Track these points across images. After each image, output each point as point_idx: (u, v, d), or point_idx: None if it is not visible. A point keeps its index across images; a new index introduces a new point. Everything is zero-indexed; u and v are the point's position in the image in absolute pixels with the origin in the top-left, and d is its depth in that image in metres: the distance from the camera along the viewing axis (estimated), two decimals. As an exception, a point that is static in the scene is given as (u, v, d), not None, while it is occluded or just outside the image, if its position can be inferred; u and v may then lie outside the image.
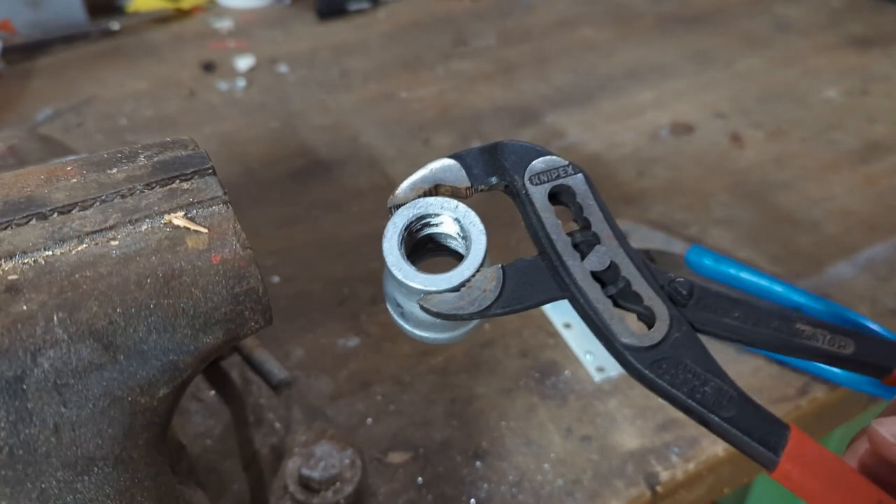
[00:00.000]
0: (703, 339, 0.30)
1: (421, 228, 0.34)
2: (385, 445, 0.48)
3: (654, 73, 0.89)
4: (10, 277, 0.25)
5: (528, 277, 0.31)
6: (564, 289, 0.31)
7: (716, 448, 0.48)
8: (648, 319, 0.30)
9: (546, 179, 0.34)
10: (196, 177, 0.30)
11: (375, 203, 0.69)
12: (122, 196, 0.28)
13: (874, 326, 0.53)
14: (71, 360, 0.25)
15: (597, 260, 0.31)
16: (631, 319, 0.30)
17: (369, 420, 0.50)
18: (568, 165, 0.34)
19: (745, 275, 0.57)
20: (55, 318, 0.25)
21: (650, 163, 0.74)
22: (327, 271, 0.61)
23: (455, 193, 0.35)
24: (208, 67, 0.91)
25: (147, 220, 0.28)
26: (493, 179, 0.34)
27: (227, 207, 0.29)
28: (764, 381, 0.52)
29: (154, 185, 0.29)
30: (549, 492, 0.46)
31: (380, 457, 0.48)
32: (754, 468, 0.54)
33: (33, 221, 0.27)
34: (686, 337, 0.30)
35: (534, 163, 0.34)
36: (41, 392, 0.25)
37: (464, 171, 0.35)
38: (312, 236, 0.65)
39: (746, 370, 0.52)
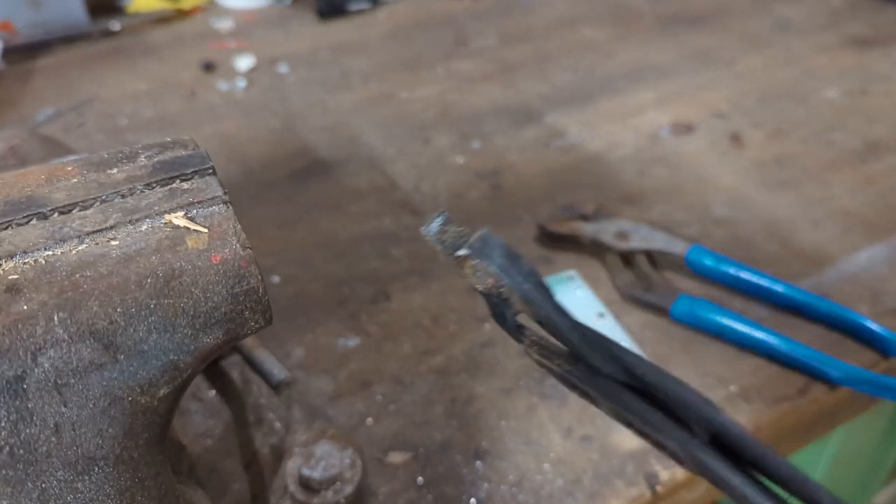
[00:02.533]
0: None
1: None
2: (385, 445, 0.48)
3: (654, 72, 0.89)
4: (10, 277, 0.25)
5: None
6: None
7: (716, 448, 0.48)
8: None
9: None
10: (196, 177, 0.30)
11: (375, 203, 0.69)
12: (123, 196, 0.28)
13: (874, 326, 0.53)
14: (71, 359, 0.25)
15: None
16: None
17: (369, 420, 0.50)
18: None
19: (745, 274, 0.57)
20: (56, 317, 0.25)
21: (650, 162, 0.74)
22: (327, 271, 0.61)
23: None
24: (208, 67, 0.91)
25: (147, 219, 0.28)
26: None
27: (228, 207, 0.29)
28: (763, 380, 0.52)
29: (154, 184, 0.29)
30: (549, 491, 0.46)
31: (380, 457, 0.48)
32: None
33: (34, 221, 0.27)
34: None
35: None
36: (42, 392, 0.25)
37: None
38: (312, 236, 0.65)
39: (746, 370, 0.52)
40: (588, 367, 0.26)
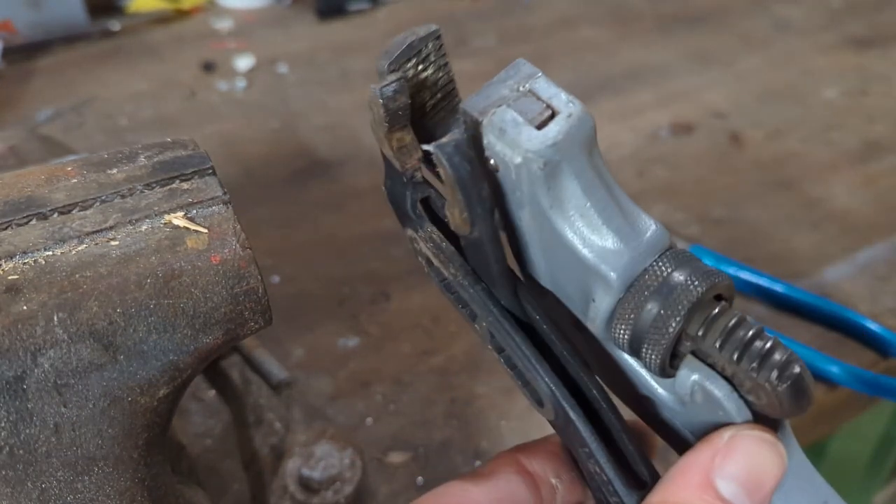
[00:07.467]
0: None
1: None
2: (385, 445, 0.48)
3: (653, 73, 0.89)
4: (10, 277, 0.25)
5: None
6: None
7: (715, 448, 0.48)
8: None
9: None
10: (196, 177, 0.30)
11: (375, 203, 0.69)
12: (122, 196, 0.28)
13: (873, 326, 0.53)
14: (71, 360, 0.25)
15: None
16: None
17: (369, 420, 0.50)
18: None
19: (744, 275, 0.57)
20: (55, 318, 0.25)
21: (650, 163, 0.74)
22: (327, 271, 0.61)
23: None
24: (208, 67, 0.91)
25: (147, 220, 0.28)
26: None
27: (227, 207, 0.29)
28: (763, 380, 0.52)
29: (154, 185, 0.29)
30: (548, 491, 0.46)
31: (380, 457, 0.48)
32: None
33: (33, 221, 0.27)
34: None
35: None
36: (41, 392, 0.25)
37: None
38: (312, 236, 0.65)
39: (746, 370, 0.53)
40: (487, 292, 0.25)
